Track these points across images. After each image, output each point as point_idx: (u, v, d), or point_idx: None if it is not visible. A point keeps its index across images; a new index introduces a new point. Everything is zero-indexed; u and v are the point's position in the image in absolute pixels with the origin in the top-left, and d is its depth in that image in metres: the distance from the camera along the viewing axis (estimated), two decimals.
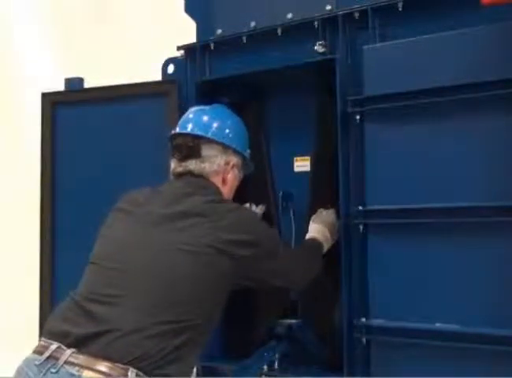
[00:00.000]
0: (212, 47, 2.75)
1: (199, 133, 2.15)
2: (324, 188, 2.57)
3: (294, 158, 2.67)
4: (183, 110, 2.75)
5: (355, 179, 2.31)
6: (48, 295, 3.03)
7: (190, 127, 2.17)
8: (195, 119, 2.21)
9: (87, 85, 3.10)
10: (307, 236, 2.43)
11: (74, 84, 3.08)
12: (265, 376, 2.47)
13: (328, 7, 2.48)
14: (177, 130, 2.20)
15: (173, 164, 2.17)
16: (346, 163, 2.33)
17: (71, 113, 3.07)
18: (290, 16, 2.57)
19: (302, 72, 2.53)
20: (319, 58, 2.44)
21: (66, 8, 5.69)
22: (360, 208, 2.29)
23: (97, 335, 1.74)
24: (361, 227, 2.28)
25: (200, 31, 2.83)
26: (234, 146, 2.19)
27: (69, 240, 2.98)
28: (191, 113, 2.25)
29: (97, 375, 1.68)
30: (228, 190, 2.20)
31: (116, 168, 2.89)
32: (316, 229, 2.42)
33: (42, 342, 1.81)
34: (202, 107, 2.30)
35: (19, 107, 5.56)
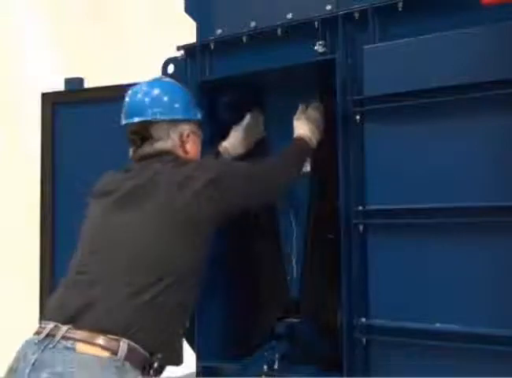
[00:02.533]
0: (212, 47, 2.75)
1: (143, 118, 2.13)
2: (324, 188, 2.58)
3: None
4: None
5: (355, 179, 2.31)
6: (48, 295, 3.02)
7: (133, 113, 2.15)
8: (132, 104, 2.17)
9: (87, 85, 3.10)
10: (294, 135, 2.42)
11: (74, 84, 3.08)
12: (265, 376, 2.47)
13: (328, 7, 2.48)
14: (122, 122, 2.20)
15: (131, 153, 2.19)
16: (347, 163, 2.33)
17: (71, 113, 3.07)
18: (290, 16, 2.57)
19: (302, 72, 2.53)
20: (319, 58, 2.44)
21: (66, 8, 5.69)
22: (360, 208, 2.29)
23: (87, 309, 1.83)
24: (361, 227, 2.28)
25: (200, 31, 2.83)
26: (179, 116, 2.16)
27: (69, 240, 2.97)
28: (127, 96, 2.22)
29: (90, 346, 1.76)
30: (191, 157, 2.19)
31: (115, 168, 2.89)
32: (301, 126, 2.42)
33: (41, 325, 1.90)
34: (135, 87, 2.25)
35: (19, 107, 5.56)
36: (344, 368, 2.29)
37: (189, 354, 2.76)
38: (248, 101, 2.83)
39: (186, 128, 2.16)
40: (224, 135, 2.74)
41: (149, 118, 2.11)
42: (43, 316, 1.94)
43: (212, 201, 1.97)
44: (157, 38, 4.72)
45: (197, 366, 2.74)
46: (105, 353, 1.76)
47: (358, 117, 2.30)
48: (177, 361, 2.07)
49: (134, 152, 2.16)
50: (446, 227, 2.13)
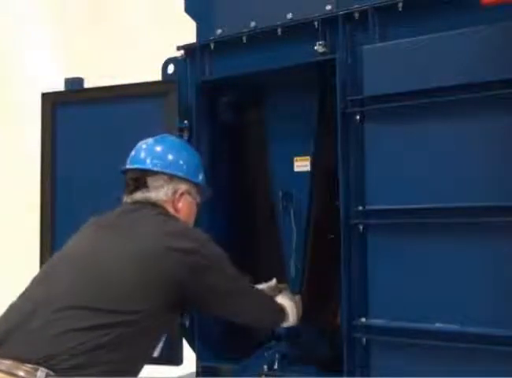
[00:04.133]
0: (212, 47, 2.75)
1: (141, 166, 2.12)
2: (324, 188, 2.58)
3: (294, 158, 2.67)
4: (183, 110, 2.77)
5: (355, 179, 2.31)
6: None
7: (133, 161, 2.16)
8: (140, 151, 2.17)
9: (87, 85, 3.10)
10: (279, 301, 2.33)
11: (74, 84, 3.08)
12: (265, 376, 2.47)
13: (328, 7, 2.48)
14: (126, 166, 2.20)
15: (124, 198, 2.14)
16: (346, 163, 2.33)
17: (71, 113, 3.07)
18: (290, 16, 2.57)
19: (302, 72, 2.53)
20: (319, 58, 2.44)
21: (66, 8, 5.70)
22: (360, 208, 2.29)
23: (7, 334, 1.73)
24: (360, 227, 2.28)
25: (200, 31, 2.83)
26: (180, 174, 2.13)
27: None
28: (137, 146, 2.22)
29: (4, 375, 1.65)
30: (182, 218, 2.13)
31: (116, 168, 2.89)
32: (286, 301, 2.34)
33: None
34: (148, 140, 2.23)
35: (19, 107, 5.56)
36: (344, 368, 2.29)
37: (189, 354, 2.76)
38: (248, 101, 2.83)
39: (182, 187, 2.12)
40: (224, 135, 2.75)
41: (148, 167, 2.10)
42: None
43: (185, 270, 1.88)
44: (157, 38, 4.72)
45: (197, 366, 2.74)
46: None
47: (357, 117, 2.30)
48: None
49: (125, 199, 2.13)
50: (446, 227, 2.13)
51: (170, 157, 2.14)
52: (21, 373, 1.64)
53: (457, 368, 2.04)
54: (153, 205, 2.06)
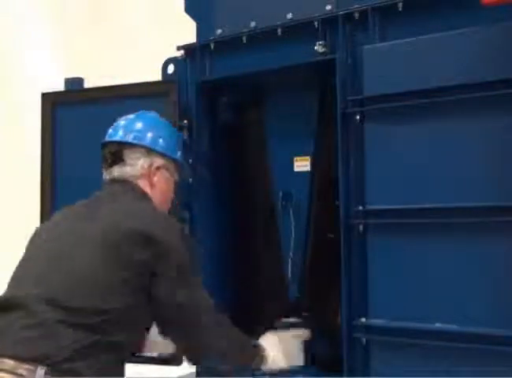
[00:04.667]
0: (212, 47, 2.75)
1: (119, 139, 2.12)
2: (324, 188, 2.58)
3: (294, 158, 2.67)
4: (183, 110, 2.77)
5: (355, 179, 2.31)
6: None
7: (112, 134, 2.16)
8: (119, 126, 2.17)
9: (87, 85, 3.10)
10: (260, 341, 2.14)
11: (74, 84, 3.08)
12: (265, 376, 2.47)
13: (328, 7, 2.48)
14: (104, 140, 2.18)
15: (103, 174, 2.14)
16: (346, 163, 2.33)
17: (71, 113, 3.07)
18: (290, 16, 2.57)
19: (302, 72, 2.53)
20: (319, 58, 2.44)
21: (66, 8, 5.70)
22: (360, 208, 2.29)
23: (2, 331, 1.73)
24: (360, 227, 2.28)
25: (200, 31, 2.83)
26: (158, 148, 2.11)
27: None
28: (116, 122, 2.22)
29: (3, 374, 1.66)
30: (158, 195, 2.10)
31: None
32: (271, 344, 2.14)
33: None
34: (128, 116, 2.23)
35: (19, 107, 5.56)
36: (344, 368, 2.29)
37: None
38: (248, 101, 2.83)
39: (159, 161, 2.10)
40: (224, 135, 2.75)
41: (125, 140, 2.10)
42: None
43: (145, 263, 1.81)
44: (157, 38, 4.72)
45: (197, 366, 2.74)
46: None
47: (357, 117, 2.30)
48: None
49: (104, 175, 2.12)
50: (446, 227, 2.12)
51: (149, 131, 2.13)
52: (19, 370, 1.65)
53: (457, 368, 2.04)
54: (128, 184, 2.04)
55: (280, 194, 2.66)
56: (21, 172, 5.02)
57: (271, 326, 2.55)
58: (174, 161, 2.16)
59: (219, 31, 2.75)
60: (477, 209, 2.06)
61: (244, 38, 2.65)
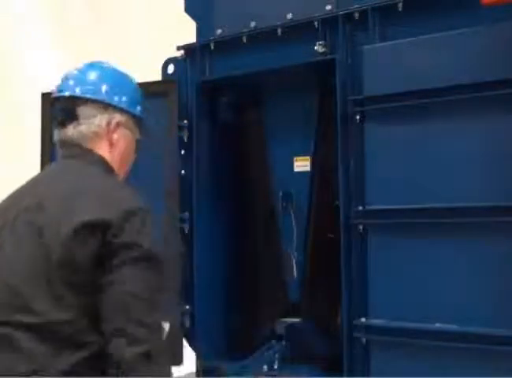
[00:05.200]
0: (212, 47, 2.75)
1: (70, 93, 1.81)
2: (324, 188, 2.58)
3: (294, 158, 2.67)
4: (183, 110, 2.77)
5: (355, 179, 2.31)
6: None
7: (62, 87, 1.85)
8: (70, 78, 1.87)
9: None
10: None
11: None
12: (265, 376, 2.47)
13: (328, 7, 2.48)
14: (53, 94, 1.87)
15: (55, 134, 1.83)
16: (346, 163, 2.33)
17: None
18: (290, 16, 2.57)
19: (302, 72, 2.53)
20: (319, 58, 2.44)
21: (66, 8, 5.69)
22: (360, 208, 2.29)
23: None
24: (360, 227, 2.28)
25: (200, 31, 2.83)
26: (115, 102, 1.83)
27: None
28: (67, 72, 1.90)
29: None
30: (117, 156, 1.83)
31: None
32: None
33: None
34: (79, 65, 1.93)
35: (19, 107, 5.56)
36: (344, 368, 2.29)
37: (189, 354, 2.76)
38: (248, 101, 2.83)
39: (118, 117, 1.81)
40: (224, 135, 2.75)
41: (77, 94, 1.80)
42: None
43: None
44: (157, 38, 4.72)
45: (197, 366, 2.74)
46: None
47: (357, 117, 2.30)
48: None
49: (56, 135, 1.82)
50: (446, 227, 2.13)
51: (104, 84, 1.86)
52: None
53: (457, 368, 2.04)
54: (84, 155, 1.76)
55: (280, 194, 2.66)
56: (21, 171, 5.02)
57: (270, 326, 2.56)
58: (134, 116, 1.88)
59: (219, 31, 2.75)
60: (477, 209, 2.06)
61: (244, 38, 2.65)
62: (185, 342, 2.76)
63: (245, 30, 2.65)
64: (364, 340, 2.26)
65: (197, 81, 2.74)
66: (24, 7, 5.86)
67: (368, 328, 2.25)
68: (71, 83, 1.84)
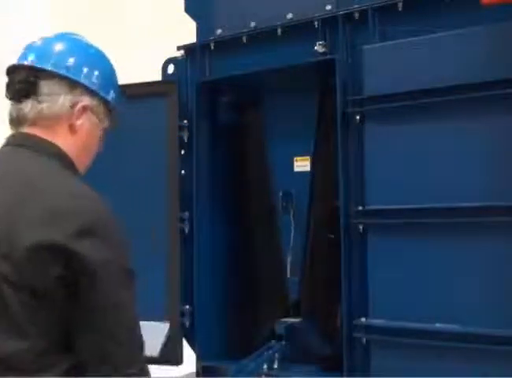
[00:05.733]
0: (212, 47, 2.75)
1: (32, 63, 1.52)
2: (324, 188, 2.58)
3: (294, 158, 2.67)
4: (183, 110, 2.77)
5: (355, 179, 2.31)
6: None
7: (23, 56, 1.56)
8: (37, 47, 1.58)
9: None
10: None
11: None
12: (265, 375, 2.47)
13: (328, 7, 2.48)
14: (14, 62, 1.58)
15: (10, 109, 1.54)
16: (346, 163, 2.33)
17: None
18: (290, 16, 2.57)
19: (302, 72, 2.53)
20: (319, 58, 2.44)
21: (66, 7, 5.69)
22: (360, 208, 2.28)
23: None
24: (360, 227, 2.28)
25: (200, 31, 2.83)
26: (86, 82, 1.54)
27: None
28: (32, 41, 1.61)
29: None
30: (79, 144, 1.55)
31: (115, 168, 2.89)
32: None
33: None
34: (48, 35, 1.65)
35: None
36: (344, 368, 2.29)
37: (189, 354, 2.76)
38: (248, 101, 2.83)
39: (85, 100, 1.53)
40: (223, 135, 2.74)
41: (41, 66, 1.51)
42: None
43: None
44: (157, 38, 4.72)
45: (197, 366, 2.74)
46: None
47: (357, 117, 2.30)
48: None
49: (11, 110, 1.53)
50: (445, 227, 2.12)
51: (74, 58, 1.56)
52: None
53: (456, 368, 2.04)
54: (40, 144, 1.48)
55: (280, 194, 2.66)
56: None
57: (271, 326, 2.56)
58: (105, 102, 1.59)
59: (219, 31, 2.75)
60: (477, 209, 2.06)
61: (244, 38, 2.65)
62: (185, 342, 2.76)
63: (245, 30, 2.65)
64: (364, 340, 2.26)
65: (197, 81, 2.74)
66: (24, 6, 5.86)
67: (368, 328, 2.25)
68: (34, 52, 1.55)
